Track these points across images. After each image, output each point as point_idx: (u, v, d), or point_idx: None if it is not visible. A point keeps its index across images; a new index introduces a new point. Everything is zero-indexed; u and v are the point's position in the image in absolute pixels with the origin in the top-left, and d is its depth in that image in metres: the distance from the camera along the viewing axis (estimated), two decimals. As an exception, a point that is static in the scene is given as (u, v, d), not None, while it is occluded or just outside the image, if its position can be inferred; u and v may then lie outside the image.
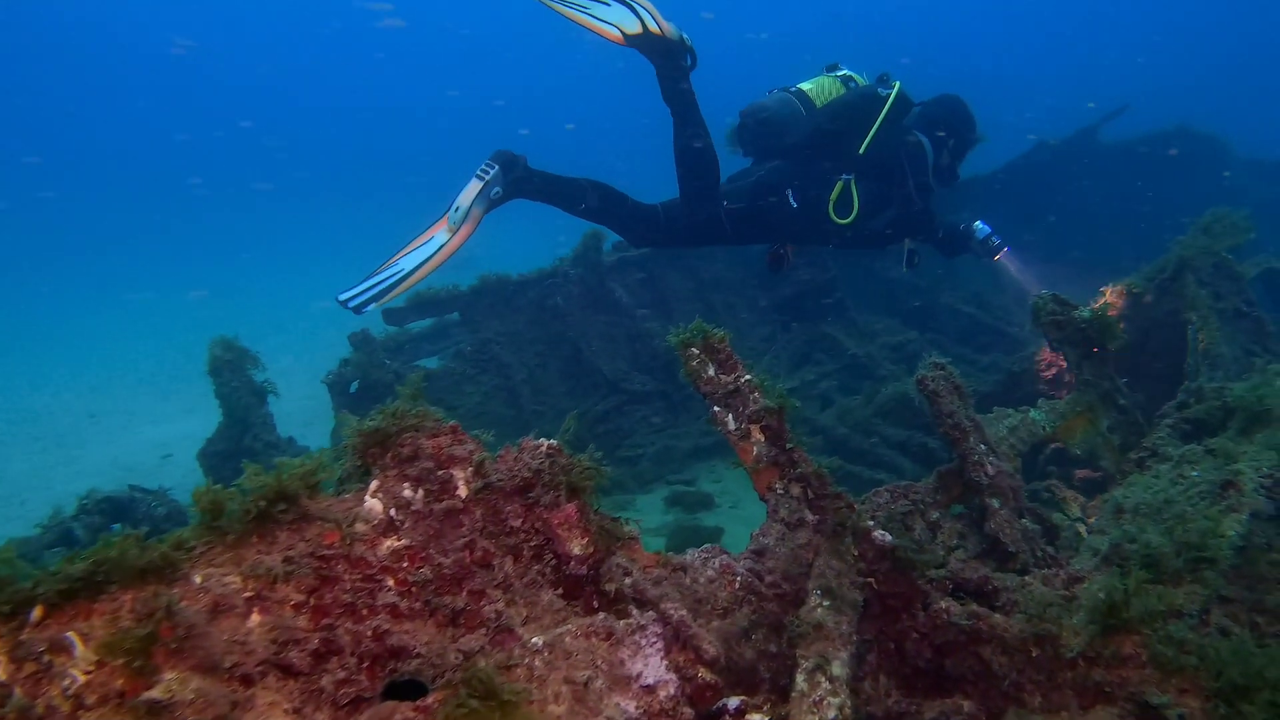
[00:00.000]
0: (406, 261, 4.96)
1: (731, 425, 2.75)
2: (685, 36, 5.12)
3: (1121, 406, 4.16)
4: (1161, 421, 3.71)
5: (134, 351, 15.70)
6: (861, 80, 5.60)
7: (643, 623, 2.04)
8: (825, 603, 2.38)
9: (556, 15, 5.07)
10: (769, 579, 2.49)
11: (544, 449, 2.14)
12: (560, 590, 2.12)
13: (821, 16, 48.02)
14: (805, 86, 5.49)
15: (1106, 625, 2.14)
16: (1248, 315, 5.01)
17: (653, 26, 4.97)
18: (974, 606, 2.42)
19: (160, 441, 10.17)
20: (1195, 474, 3.11)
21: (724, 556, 2.46)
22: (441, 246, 4.93)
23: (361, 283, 4.97)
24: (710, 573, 2.39)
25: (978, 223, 5.77)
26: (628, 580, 2.16)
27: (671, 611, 2.07)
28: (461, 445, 2.10)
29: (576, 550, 2.09)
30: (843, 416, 7.07)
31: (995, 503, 3.10)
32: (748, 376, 2.76)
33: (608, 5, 4.99)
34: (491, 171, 4.92)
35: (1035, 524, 3.19)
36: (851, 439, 6.80)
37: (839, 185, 5.35)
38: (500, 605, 2.01)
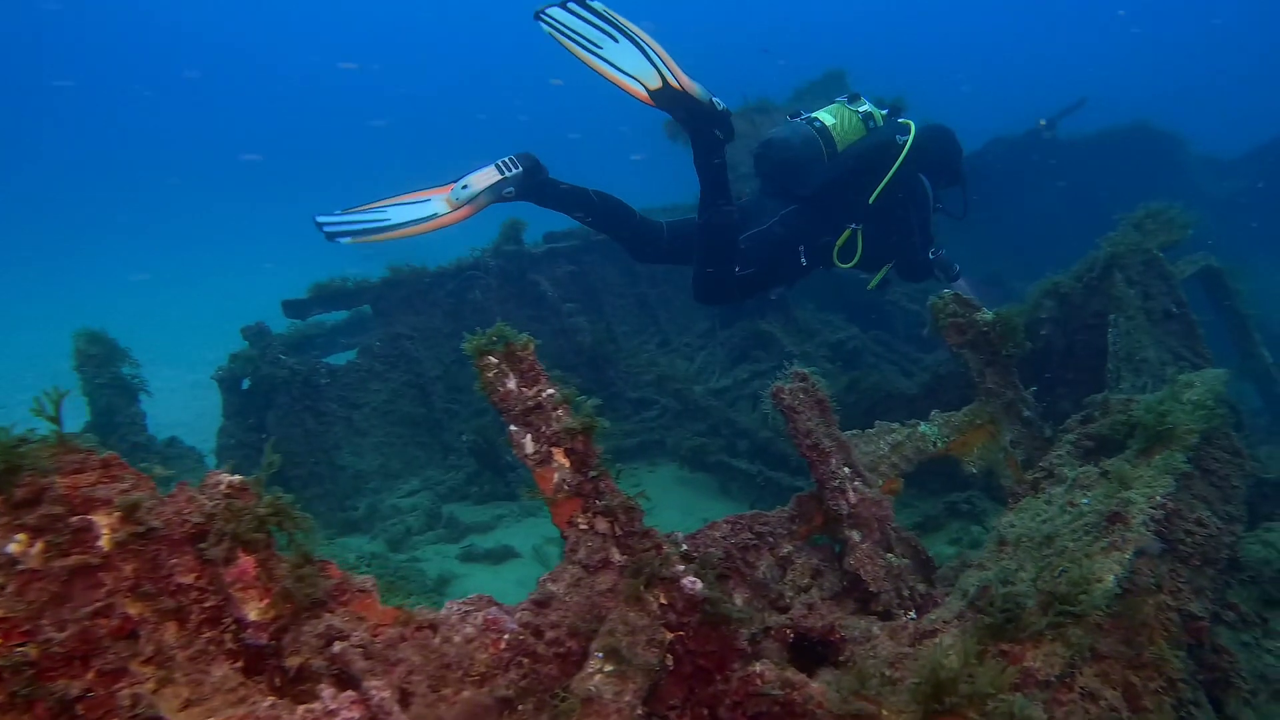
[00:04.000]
0: (395, 213, 4.85)
1: (529, 447, 2.31)
2: (717, 100, 4.86)
3: (1026, 419, 3.76)
4: (1064, 437, 3.31)
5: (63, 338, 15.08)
6: (879, 115, 5.44)
7: (331, 708, 1.61)
8: (607, 667, 1.96)
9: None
10: (550, 635, 2.07)
11: (224, 487, 1.70)
12: (241, 664, 1.68)
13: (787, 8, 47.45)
14: (828, 121, 5.30)
15: (929, 709, 1.74)
16: (1178, 316, 4.63)
17: (671, 80, 4.72)
18: (789, 673, 2.00)
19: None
20: (1086, 501, 2.72)
21: (492, 609, 2.03)
22: (435, 216, 4.85)
23: (344, 214, 4.86)
24: (469, 630, 1.96)
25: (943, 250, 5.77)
26: (335, 648, 1.73)
27: (373, 692, 1.64)
28: (114, 483, 1.66)
29: (253, 614, 1.66)
30: (768, 419, 6.67)
31: (856, 535, 2.69)
32: (551, 391, 2.33)
33: (615, 41, 4.71)
34: (513, 171, 4.89)
35: (905, 558, 2.78)
36: (775, 443, 6.44)
37: (846, 233, 5.31)
38: (146, 687, 1.58)
